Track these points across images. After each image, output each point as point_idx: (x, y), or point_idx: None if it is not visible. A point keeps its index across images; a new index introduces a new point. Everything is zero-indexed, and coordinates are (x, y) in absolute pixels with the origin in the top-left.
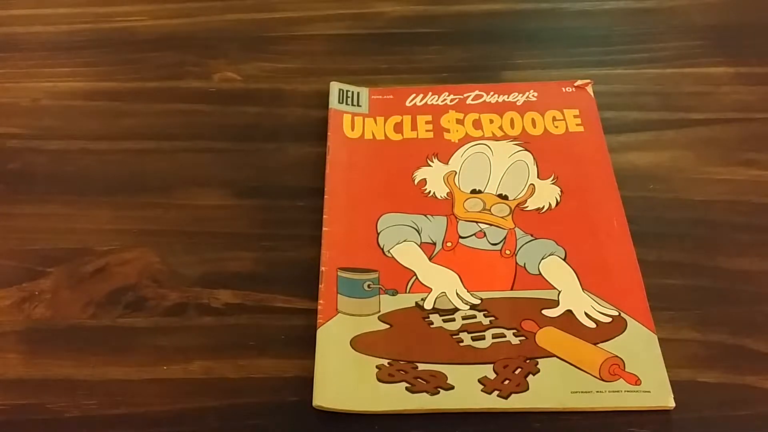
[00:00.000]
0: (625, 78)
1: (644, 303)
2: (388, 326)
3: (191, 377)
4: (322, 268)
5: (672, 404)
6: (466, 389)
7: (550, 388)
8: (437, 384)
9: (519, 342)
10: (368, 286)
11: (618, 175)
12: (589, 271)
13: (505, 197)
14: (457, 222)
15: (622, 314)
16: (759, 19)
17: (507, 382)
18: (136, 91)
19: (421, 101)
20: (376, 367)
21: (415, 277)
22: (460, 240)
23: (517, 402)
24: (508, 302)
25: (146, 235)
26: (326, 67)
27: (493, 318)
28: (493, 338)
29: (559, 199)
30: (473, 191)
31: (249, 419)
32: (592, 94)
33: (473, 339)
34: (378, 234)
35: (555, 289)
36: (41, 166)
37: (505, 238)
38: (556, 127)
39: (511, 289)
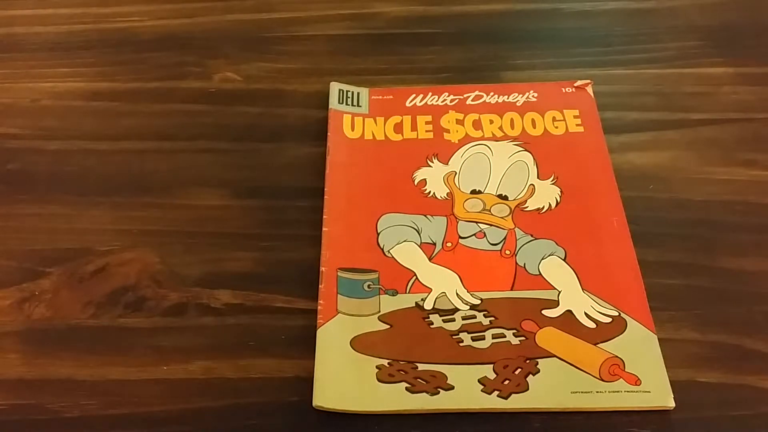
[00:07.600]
0: (625, 78)
1: (644, 303)
2: (388, 326)
3: (191, 377)
4: (322, 268)
5: (672, 404)
6: (466, 389)
7: (550, 389)
8: (437, 384)
9: (519, 342)
10: (368, 286)
11: (618, 175)
12: (589, 271)
13: (505, 197)
14: (457, 222)
15: (622, 314)
16: (759, 19)
17: (507, 382)
18: (136, 91)
19: (421, 101)
20: (376, 367)
21: (415, 277)
22: (460, 240)
23: (517, 402)
24: (508, 302)
25: (146, 235)
26: (326, 67)
27: (493, 318)
28: (493, 338)
29: (559, 200)
30: (473, 191)
31: (249, 419)
32: (591, 94)
33: (473, 339)
34: (378, 234)
35: (555, 289)
36: (41, 167)
37: (505, 238)
38: (556, 127)
39: (511, 290)
